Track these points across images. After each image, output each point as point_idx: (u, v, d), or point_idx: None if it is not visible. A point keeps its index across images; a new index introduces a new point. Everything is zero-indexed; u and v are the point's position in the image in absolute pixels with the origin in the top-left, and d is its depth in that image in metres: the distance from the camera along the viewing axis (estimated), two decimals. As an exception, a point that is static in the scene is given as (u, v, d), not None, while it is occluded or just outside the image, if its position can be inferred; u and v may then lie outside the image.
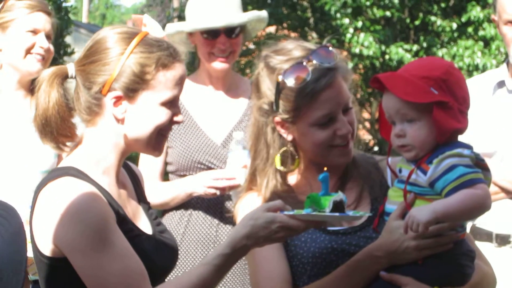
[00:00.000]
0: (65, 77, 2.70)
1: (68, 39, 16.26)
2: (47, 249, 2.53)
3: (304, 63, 2.76)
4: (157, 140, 2.69)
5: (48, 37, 4.27)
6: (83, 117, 2.68)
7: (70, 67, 2.70)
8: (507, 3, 4.29)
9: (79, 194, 2.51)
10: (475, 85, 4.41)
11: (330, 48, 2.82)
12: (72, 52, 15.92)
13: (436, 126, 2.58)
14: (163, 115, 2.65)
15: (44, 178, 2.63)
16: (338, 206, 2.47)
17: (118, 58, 2.61)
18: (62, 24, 15.03)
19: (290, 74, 2.76)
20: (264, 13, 4.34)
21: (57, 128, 2.68)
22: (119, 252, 2.52)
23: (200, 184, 4.05)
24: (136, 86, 2.62)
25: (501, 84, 4.41)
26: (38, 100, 2.67)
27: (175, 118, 2.69)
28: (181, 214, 4.24)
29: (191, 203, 4.21)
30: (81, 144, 2.70)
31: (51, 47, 4.30)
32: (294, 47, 2.84)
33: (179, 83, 2.68)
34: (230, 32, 4.19)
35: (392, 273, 2.65)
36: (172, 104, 2.67)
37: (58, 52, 15.52)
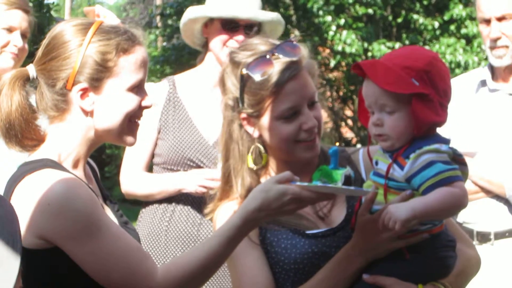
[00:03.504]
0: (26, 79, 2.68)
1: (48, 35, 16.13)
2: (25, 242, 2.50)
3: (268, 57, 2.75)
4: (129, 127, 2.68)
5: (23, 35, 4.18)
6: (51, 114, 2.67)
7: (31, 68, 2.69)
8: (482, 2, 4.34)
9: (64, 183, 2.50)
10: (459, 83, 4.45)
11: (295, 43, 2.82)
12: (54, 49, 15.78)
13: (414, 118, 2.56)
14: (131, 101, 2.65)
15: (18, 172, 2.61)
16: (347, 181, 2.49)
17: (78, 50, 2.61)
18: (44, 21, 14.90)
19: (254, 67, 2.75)
20: (282, 20, 4.34)
21: (21, 131, 2.67)
22: (114, 231, 2.53)
23: (193, 182, 4.04)
24: (100, 75, 2.61)
25: (483, 83, 4.45)
26: (1, 105, 2.65)
27: (143, 103, 2.69)
28: (164, 209, 4.22)
29: (174, 198, 4.20)
30: (47, 141, 2.69)
31: (26, 46, 4.20)
32: (259, 43, 2.84)
33: (143, 65, 2.68)
34: (249, 28, 4.18)
35: (375, 275, 2.65)
36: (139, 89, 2.67)
37: (38, 48, 15.40)
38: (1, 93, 2.66)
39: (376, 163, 2.70)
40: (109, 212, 2.78)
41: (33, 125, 2.69)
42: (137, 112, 2.68)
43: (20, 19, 4.16)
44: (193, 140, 4.19)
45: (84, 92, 2.62)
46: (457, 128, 4.33)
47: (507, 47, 4.30)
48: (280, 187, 2.48)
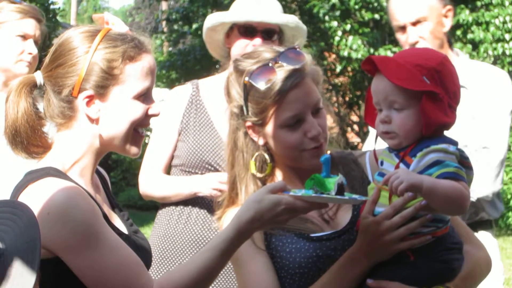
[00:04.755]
0: (33, 85, 2.68)
1: (55, 42, 16.18)
2: None
3: (271, 65, 2.74)
4: (134, 137, 2.66)
5: (36, 43, 4.30)
6: (57, 121, 2.66)
7: (38, 75, 2.68)
8: (396, 10, 4.45)
9: (65, 193, 2.48)
10: None
11: (299, 50, 2.81)
12: (60, 55, 15.80)
13: (423, 117, 2.54)
14: (137, 109, 2.63)
15: (22, 180, 2.60)
16: (340, 189, 2.46)
17: (84, 57, 2.60)
18: (50, 27, 14.94)
19: (257, 75, 2.74)
20: (303, 25, 4.32)
21: (27, 138, 2.66)
22: (112, 245, 2.50)
23: (207, 185, 4.05)
24: (105, 82, 2.59)
25: None
26: (7, 111, 2.65)
27: (150, 111, 2.67)
28: (180, 212, 4.23)
29: (190, 201, 4.21)
30: (54, 148, 2.67)
31: (37, 54, 4.32)
32: (263, 50, 2.83)
33: (149, 73, 2.66)
34: (267, 33, 4.17)
35: (379, 279, 2.63)
36: (146, 97, 2.65)
37: (46, 54, 15.43)
38: (8, 100, 2.66)
39: (381, 163, 2.68)
40: (118, 221, 2.76)
41: (39, 132, 2.68)
42: (143, 120, 2.66)
43: (34, 28, 4.30)
44: (213, 144, 4.20)
45: (90, 99, 2.61)
46: None
47: None
48: (273, 197, 2.47)
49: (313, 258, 2.72)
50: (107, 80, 2.60)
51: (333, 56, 17.12)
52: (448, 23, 4.44)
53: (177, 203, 4.25)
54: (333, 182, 2.46)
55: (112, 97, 2.61)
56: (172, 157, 4.29)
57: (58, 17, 16.09)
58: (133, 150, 2.69)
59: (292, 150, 2.78)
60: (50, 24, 14.88)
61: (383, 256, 2.63)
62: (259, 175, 2.84)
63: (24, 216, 2.00)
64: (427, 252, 2.61)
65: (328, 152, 2.57)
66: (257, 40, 4.15)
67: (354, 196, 2.54)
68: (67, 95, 2.62)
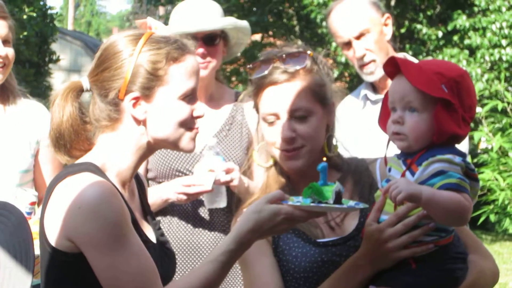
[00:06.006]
0: (80, 90, 2.71)
1: (53, 46, 16.18)
2: (59, 243, 2.51)
3: (270, 60, 2.82)
4: (186, 134, 2.69)
5: (6, 41, 4.15)
6: (103, 124, 2.68)
7: (84, 80, 2.71)
8: (337, 27, 4.44)
9: (99, 189, 2.50)
10: (347, 104, 4.49)
11: (304, 56, 2.85)
12: (58, 60, 15.82)
13: (436, 124, 2.55)
14: (183, 109, 2.66)
15: (61, 172, 2.62)
16: (338, 197, 2.49)
17: (129, 60, 2.63)
18: (48, 31, 14.96)
19: (255, 66, 2.85)
20: (243, 23, 4.30)
21: (70, 142, 2.70)
22: (134, 250, 2.52)
23: (172, 190, 4.04)
24: (151, 83, 2.62)
25: (367, 97, 4.55)
26: (53, 115, 2.70)
27: (195, 113, 2.69)
28: (160, 221, 4.23)
29: (168, 210, 4.20)
30: (95, 148, 2.70)
31: (9, 52, 4.15)
32: (290, 47, 2.90)
33: (194, 74, 2.69)
34: (208, 39, 4.16)
35: (382, 286, 2.65)
36: (191, 98, 2.69)
37: (43, 59, 15.41)
38: (54, 104, 2.69)
39: (389, 170, 2.69)
40: (148, 229, 2.78)
41: (82, 137, 2.71)
42: (190, 121, 2.68)
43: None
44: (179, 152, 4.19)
45: (136, 101, 2.63)
46: (353, 147, 4.37)
47: (374, 61, 4.37)
48: (272, 208, 2.50)
49: (318, 263, 2.75)
50: (152, 81, 2.62)
51: (330, 61, 17.14)
52: (389, 31, 4.47)
53: (156, 214, 4.24)
54: (330, 190, 2.48)
55: (157, 98, 2.64)
56: (147, 170, 4.29)
57: (55, 22, 16.09)
58: (187, 147, 2.71)
59: (270, 145, 2.84)
60: (48, 29, 14.88)
61: (386, 263, 2.65)
62: (263, 165, 2.90)
63: (12, 217, 2.00)
64: (430, 260, 2.62)
65: (324, 159, 2.59)
66: (199, 49, 4.13)
67: (351, 203, 2.56)
68: (114, 97, 2.64)
